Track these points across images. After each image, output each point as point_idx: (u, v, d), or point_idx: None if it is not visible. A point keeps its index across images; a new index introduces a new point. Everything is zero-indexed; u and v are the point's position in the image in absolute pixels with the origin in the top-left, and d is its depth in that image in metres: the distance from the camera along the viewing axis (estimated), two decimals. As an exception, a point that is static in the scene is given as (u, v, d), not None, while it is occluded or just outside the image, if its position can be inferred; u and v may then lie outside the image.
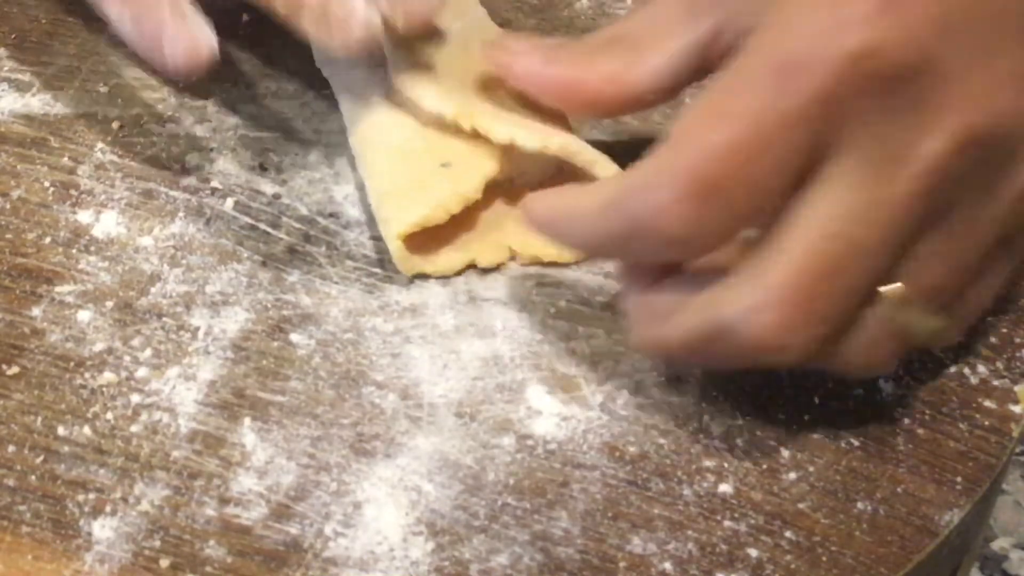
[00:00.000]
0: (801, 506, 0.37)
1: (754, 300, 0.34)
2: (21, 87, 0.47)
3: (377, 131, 0.44)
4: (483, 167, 0.41)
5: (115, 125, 0.46)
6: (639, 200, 0.35)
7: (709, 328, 0.35)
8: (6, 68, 0.48)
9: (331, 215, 0.44)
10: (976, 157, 0.34)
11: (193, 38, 0.42)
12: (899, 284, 0.35)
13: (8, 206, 0.44)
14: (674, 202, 0.34)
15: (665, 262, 0.37)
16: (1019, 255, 0.38)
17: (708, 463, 0.38)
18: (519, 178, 0.43)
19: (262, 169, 0.45)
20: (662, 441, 0.38)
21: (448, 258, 0.42)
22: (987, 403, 0.40)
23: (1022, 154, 0.35)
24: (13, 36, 0.49)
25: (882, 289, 0.35)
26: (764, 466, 0.38)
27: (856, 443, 0.39)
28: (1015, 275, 0.39)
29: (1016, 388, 0.40)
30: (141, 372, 0.40)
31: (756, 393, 0.40)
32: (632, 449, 0.38)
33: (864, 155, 0.34)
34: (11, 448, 0.38)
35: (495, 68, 0.42)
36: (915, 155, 0.34)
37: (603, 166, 0.41)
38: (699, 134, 0.34)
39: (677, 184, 0.34)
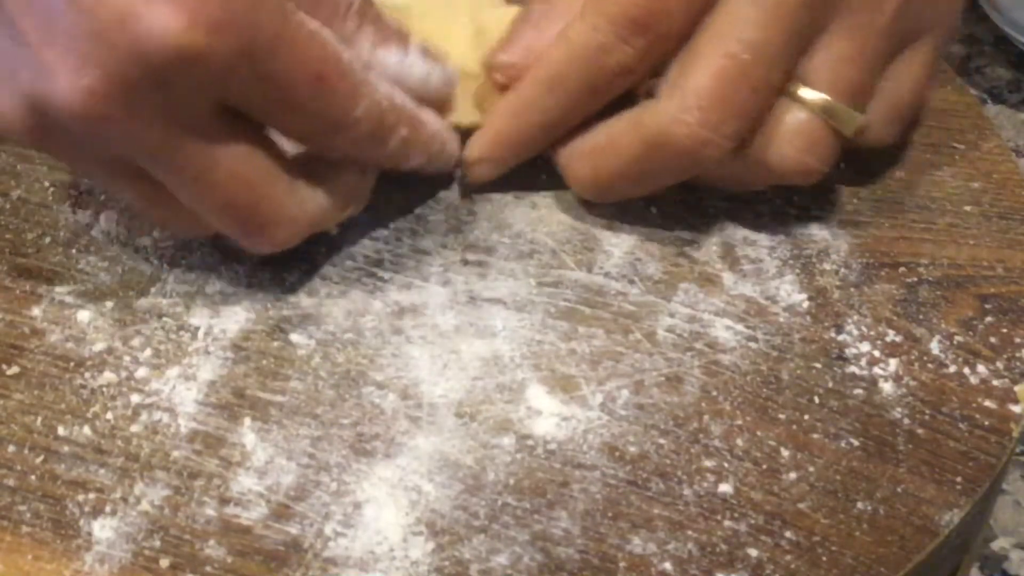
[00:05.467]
0: (801, 506, 0.37)
1: (680, 104, 0.40)
2: (21, 87, 0.47)
3: None
4: None
5: (115, 125, 0.46)
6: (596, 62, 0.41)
7: (644, 142, 0.41)
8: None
9: (331, 215, 0.44)
10: None
11: None
12: (818, 92, 0.41)
13: (8, 206, 0.45)
14: (618, 41, 0.40)
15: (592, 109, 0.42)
16: (930, 47, 0.44)
17: (708, 463, 0.38)
18: None
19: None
20: (662, 441, 0.38)
21: None
22: (987, 403, 0.40)
23: None
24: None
25: (804, 94, 0.41)
26: (764, 466, 0.38)
27: (856, 443, 0.39)
28: (935, 71, 0.45)
29: (1016, 388, 0.40)
30: (141, 372, 0.40)
31: (756, 393, 0.40)
32: (632, 449, 0.38)
33: None
34: (11, 448, 0.38)
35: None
36: None
37: None
38: None
39: (617, 27, 0.40)
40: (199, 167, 0.37)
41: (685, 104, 0.40)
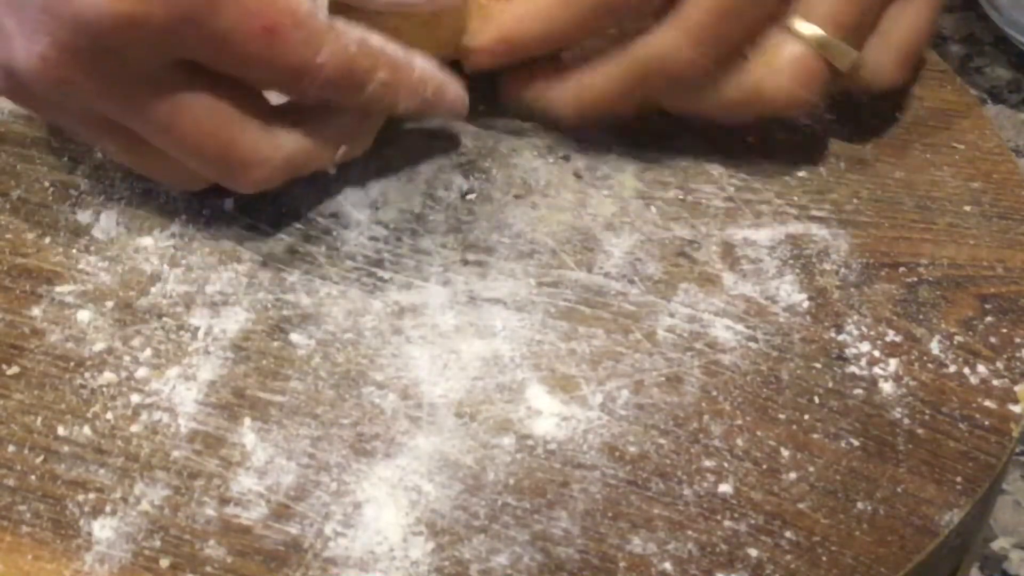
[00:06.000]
0: (801, 506, 0.37)
1: (677, 34, 0.42)
2: (21, 87, 0.47)
3: None
4: None
5: (115, 125, 0.46)
6: None
7: (640, 67, 0.43)
8: (6, 68, 0.48)
9: (331, 215, 0.44)
10: None
11: None
12: (814, 26, 0.43)
13: (8, 206, 0.45)
14: None
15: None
16: None
17: (708, 463, 0.38)
18: None
19: (262, 169, 0.45)
20: (662, 441, 0.38)
21: None
22: (987, 403, 0.40)
23: None
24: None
25: (800, 27, 0.43)
26: (764, 466, 0.38)
27: (856, 443, 0.39)
28: (936, 14, 0.46)
29: (1016, 388, 0.40)
30: (141, 372, 0.40)
31: (756, 393, 0.40)
32: (632, 449, 0.38)
33: None
34: (11, 448, 0.38)
35: None
36: None
37: None
38: None
39: None
40: (163, 118, 0.39)
41: (685, 31, 0.42)
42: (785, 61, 0.43)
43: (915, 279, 0.43)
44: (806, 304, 0.42)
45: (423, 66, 0.42)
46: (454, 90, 0.43)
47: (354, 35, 0.40)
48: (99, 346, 0.40)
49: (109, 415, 0.39)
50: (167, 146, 0.40)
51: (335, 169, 0.43)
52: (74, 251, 0.43)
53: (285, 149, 0.41)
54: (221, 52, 0.38)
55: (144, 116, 0.39)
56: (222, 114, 0.39)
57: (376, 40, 0.40)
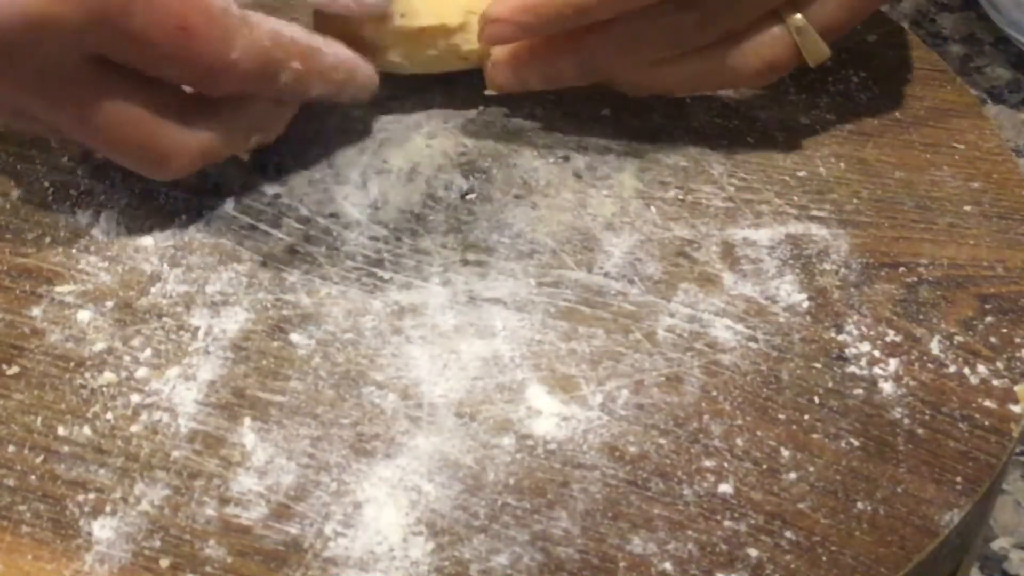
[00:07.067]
0: (801, 506, 0.37)
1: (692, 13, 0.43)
2: (21, 87, 0.47)
3: None
4: None
5: (115, 125, 0.46)
6: None
7: (642, 27, 0.43)
8: (6, 68, 0.48)
9: (331, 215, 0.44)
10: None
11: None
12: (801, 15, 0.44)
13: (8, 206, 0.45)
14: None
15: None
16: None
17: (708, 463, 0.38)
18: None
19: (262, 169, 0.45)
20: (662, 441, 0.38)
21: None
22: (987, 403, 0.40)
23: None
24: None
25: (792, 19, 0.44)
26: (764, 466, 0.38)
27: (856, 443, 0.39)
28: None
29: (1016, 388, 0.40)
30: (141, 372, 0.40)
31: (756, 393, 0.40)
32: (632, 449, 0.38)
33: None
34: (11, 448, 0.38)
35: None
36: None
37: None
38: None
39: None
40: (79, 115, 0.39)
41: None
42: (763, 42, 0.44)
43: (915, 279, 0.43)
44: (806, 304, 0.42)
45: (336, 51, 0.42)
46: (365, 70, 0.44)
47: (267, 27, 0.40)
48: (99, 346, 0.40)
49: (109, 415, 0.39)
50: (87, 141, 0.40)
51: (248, 156, 0.44)
52: (74, 251, 0.43)
53: (202, 140, 0.41)
54: (136, 51, 0.38)
55: (63, 113, 0.39)
56: (140, 109, 0.39)
57: (289, 30, 0.41)
